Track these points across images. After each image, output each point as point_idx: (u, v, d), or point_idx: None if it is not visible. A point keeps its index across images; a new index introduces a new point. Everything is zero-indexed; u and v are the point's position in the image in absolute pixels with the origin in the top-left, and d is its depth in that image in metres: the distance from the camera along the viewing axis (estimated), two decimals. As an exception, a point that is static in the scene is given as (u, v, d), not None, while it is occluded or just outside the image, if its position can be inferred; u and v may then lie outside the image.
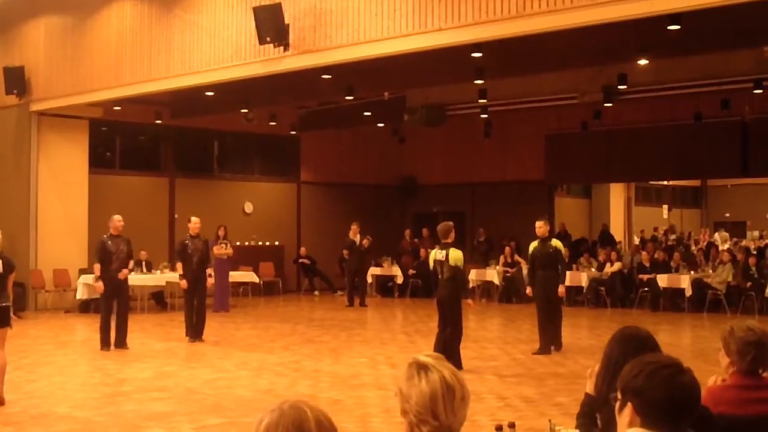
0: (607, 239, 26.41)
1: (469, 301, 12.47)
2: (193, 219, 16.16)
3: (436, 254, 12.24)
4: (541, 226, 13.99)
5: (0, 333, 9.97)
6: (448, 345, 11.96)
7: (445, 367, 2.65)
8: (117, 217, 14.59)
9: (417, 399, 2.62)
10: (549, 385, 11.15)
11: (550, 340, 13.86)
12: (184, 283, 15.68)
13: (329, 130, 26.00)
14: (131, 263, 15.08)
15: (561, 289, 13.98)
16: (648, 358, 2.92)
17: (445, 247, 12.13)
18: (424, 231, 25.62)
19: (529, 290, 14.71)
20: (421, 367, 2.65)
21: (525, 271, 22.89)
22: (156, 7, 17.96)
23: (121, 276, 14.50)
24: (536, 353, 13.63)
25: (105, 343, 14.42)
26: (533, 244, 14.11)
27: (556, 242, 14.10)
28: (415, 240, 25.93)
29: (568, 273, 20.09)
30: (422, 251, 24.77)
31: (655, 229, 32.95)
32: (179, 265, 15.90)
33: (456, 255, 12.01)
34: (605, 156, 24.48)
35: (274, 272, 25.28)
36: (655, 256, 21.77)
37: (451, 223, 12.49)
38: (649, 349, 3.76)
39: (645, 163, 24.22)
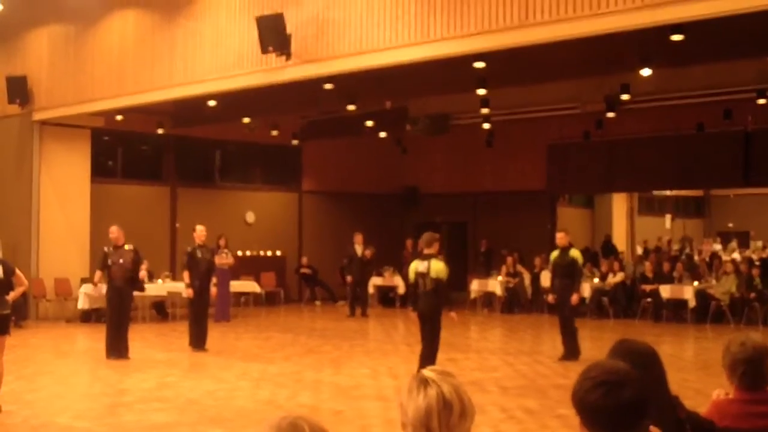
0: (609, 249, 26.39)
1: (452, 314, 12.06)
2: (199, 228, 16.08)
3: (417, 266, 11.92)
4: (561, 237, 14.34)
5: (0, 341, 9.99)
6: (424, 358, 11.73)
7: (447, 382, 2.61)
8: (112, 229, 14.53)
9: (413, 413, 2.59)
10: (551, 397, 11.10)
11: (574, 345, 14.08)
12: (190, 292, 15.51)
13: (331, 140, 25.99)
14: (143, 268, 15.01)
15: (574, 298, 14.16)
16: (590, 371, 2.87)
17: (427, 258, 11.82)
18: (413, 242, 25.65)
19: (551, 297, 14.99)
20: (422, 382, 2.63)
21: (527, 282, 23.02)
22: (158, 16, 17.97)
23: (141, 276, 14.71)
24: (562, 359, 13.91)
25: (112, 351, 14.38)
26: (554, 254, 14.44)
27: (574, 253, 14.30)
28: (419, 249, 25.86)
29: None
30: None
31: (659, 239, 32.91)
32: (186, 274, 15.64)
33: (437, 267, 11.72)
34: (607, 166, 24.43)
35: (275, 282, 25.24)
36: (663, 267, 21.69)
37: (437, 234, 12.23)
38: (648, 361, 3.72)
39: (647, 173, 24.17)
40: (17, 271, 10.47)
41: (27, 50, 21.53)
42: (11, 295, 10.33)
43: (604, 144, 23.97)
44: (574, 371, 11.04)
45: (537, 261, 22.95)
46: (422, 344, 12.05)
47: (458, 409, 2.59)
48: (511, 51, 13.40)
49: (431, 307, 11.84)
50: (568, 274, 14.13)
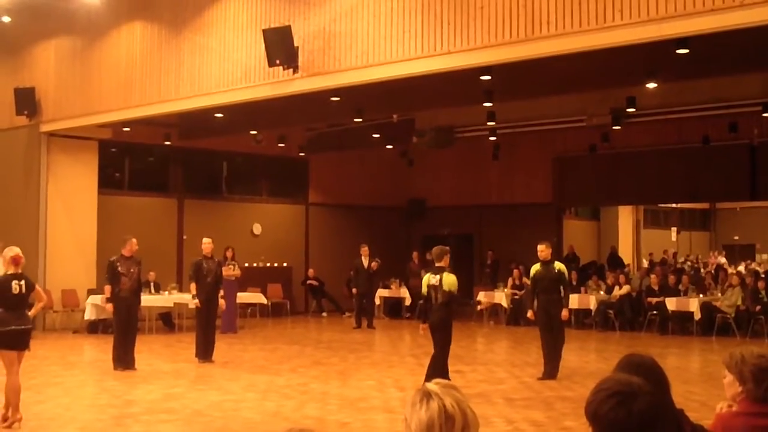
0: (615, 262, 26.38)
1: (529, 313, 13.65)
2: (205, 240, 16.16)
3: (429, 279, 12.05)
4: (543, 250, 13.78)
5: (18, 355, 9.98)
6: (433, 367, 11.88)
7: (450, 395, 2.62)
8: (134, 241, 14.65)
9: (415, 427, 2.60)
10: (557, 409, 11.11)
11: (555, 364, 13.76)
12: (197, 303, 15.64)
13: (338, 152, 26.05)
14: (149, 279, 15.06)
15: (564, 313, 13.78)
16: (604, 383, 2.89)
17: (439, 271, 11.99)
18: (420, 254, 25.79)
19: (530, 314, 14.39)
20: (425, 395, 2.64)
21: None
22: (166, 29, 18.06)
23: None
24: (542, 378, 13.56)
25: (118, 363, 14.41)
26: (535, 267, 13.91)
27: (559, 265, 13.88)
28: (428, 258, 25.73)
29: (576, 296, 20.13)
30: (422, 272, 24.79)
31: (665, 252, 32.91)
32: (193, 285, 15.79)
33: (450, 279, 11.89)
34: (613, 179, 24.50)
35: (282, 294, 25.26)
36: (669, 279, 21.67)
37: (447, 247, 12.36)
38: (655, 376, 3.74)
39: (653, 186, 24.23)
40: (37, 286, 10.49)
41: (35, 62, 21.63)
42: (32, 311, 10.36)
43: (610, 157, 24.02)
44: (580, 384, 11.09)
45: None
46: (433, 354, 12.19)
47: (460, 423, 2.59)
48: (517, 64, 13.44)
49: (441, 319, 11.99)
50: (553, 288, 13.64)
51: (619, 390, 2.80)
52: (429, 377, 11.63)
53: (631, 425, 2.75)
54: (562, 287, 13.77)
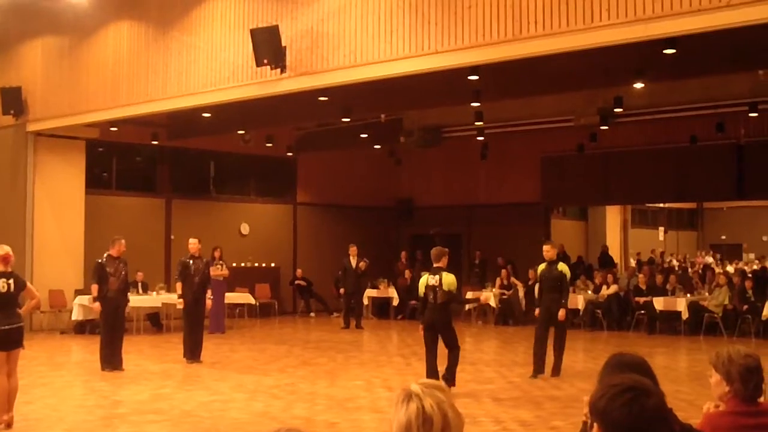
0: (606, 261, 26.42)
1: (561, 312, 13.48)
2: (191, 240, 16.14)
3: (428, 279, 12.13)
4: (548, 250, 13.95)
5: (12, 354, 9.86)
6: (449, 369, 12.06)
7: (431, 396, 2.59)
8: (123, 242, 14.60)
9: (396, 427, 2.60)
10: (546, 409, 11.11)
11: (544, 363, 13.81)
12: (182, 303, 15.62)
13: (326, 152, 26.04)
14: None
15: (561, 313, 13.85)
16: (614, 380, 2.89)
17: (438, 271, 12.06)
18: (408, 253, 25.83)
19: (537, 312, 14.45)
20: (407, 395, 2.62)
21: (521, 294, 23.02)
22: (153, 28, 18.00)
23: None
24: (533, 376, 13.59)
25: (106, 363, 14.37)
26: (541, 267, 14.11)
27: (562, 266, 14.01)
28: (417, 259, 25.72)
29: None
30: (406, 272, 24.87)
31: (652, 251, 32.99)
32: (179, 285, 15.76)
33: (449, 279, 11.99)
34: (601, 178, 24.55)
35: (270, 294, 25.22)
36: (656, 279, 21.72)
37: (446, 249, 12.45)
38: (646, 375, 3.74)
39: (641, 186, 24.30)
40: (29, 284, 10.40)
41: (22, 61, 21.55)
42: (23, 309, 10.28)
43: (598, 156, 24.07)
44: (569, 383, 11.04)
45: (531, 273, 22.94)
46: (428, 354, 12.22)
47: (439, 424, 2.55)
48: (505, 64, 13.47)
49: (444, 319, 12.11)
50: (555, 288, 13.79)
51: (633, 386, 2.80)
52: (453, 374, 11.80)
53: (643, 422, 2.75)
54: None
